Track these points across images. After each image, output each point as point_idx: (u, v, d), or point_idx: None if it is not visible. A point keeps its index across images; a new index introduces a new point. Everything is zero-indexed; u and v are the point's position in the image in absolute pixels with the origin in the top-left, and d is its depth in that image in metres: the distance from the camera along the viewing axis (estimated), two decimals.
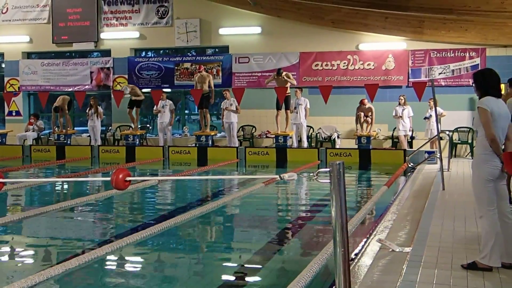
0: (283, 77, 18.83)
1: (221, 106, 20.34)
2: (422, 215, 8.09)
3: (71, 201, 10.35)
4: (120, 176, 3.66)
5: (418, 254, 5.91)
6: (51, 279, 5.55)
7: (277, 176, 3.58)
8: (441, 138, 13.09)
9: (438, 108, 14.92)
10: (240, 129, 21.18)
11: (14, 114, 24.11)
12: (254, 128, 21.32)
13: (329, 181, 3.27)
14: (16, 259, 7.10)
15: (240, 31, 21.59)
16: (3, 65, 24.55)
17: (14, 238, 8.21)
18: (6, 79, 24.16)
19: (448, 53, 19.74)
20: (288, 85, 18.87)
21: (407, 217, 8.08)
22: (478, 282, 5.07)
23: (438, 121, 12.59)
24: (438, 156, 12.31)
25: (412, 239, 6.61)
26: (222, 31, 21.78)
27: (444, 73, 19.75)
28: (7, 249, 7.54)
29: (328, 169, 3.27)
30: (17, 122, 23.66)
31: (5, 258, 7.17)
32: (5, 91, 23.56)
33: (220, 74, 21.84)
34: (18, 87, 23.92)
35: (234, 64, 21.69)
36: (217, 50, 22.68)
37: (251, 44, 21.58)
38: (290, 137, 19.21)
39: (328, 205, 10.22)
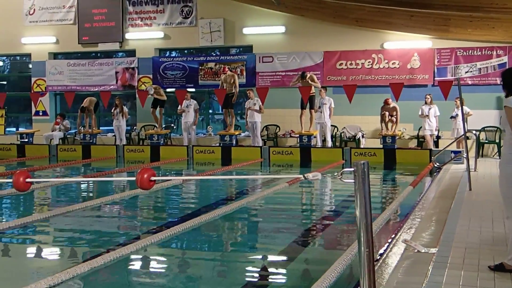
0: (308, 80, 18.78)
1: (245, 106, 20.34)
2: (448, 215, 8.02)
3: (96, 200, 10.42)
4: (145, 175, 3.67)
5: (444, 255, 5.85)
6: (77, 277, 5.59)
7: (301, 175, 3.56)
8: (467, 138, 12.98)
9: (464, 107, 14.79)
10: (264, 128, 21.18)
11: (41, 114, 24.33)
12: (278, 128, 21.31)
13: (353, 181, 3.24)
14: (43, 257, 7.15)
15: (264, 31, 21.59)
16: (30, 66, 24.77)
17: (40, 236, 8.26)
18: (33, 79, 24.39)
19: (475, 52, 19.58)
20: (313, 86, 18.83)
21: (433, 218, 8.01)
22: (505, 284, 5.00)
23: (464, 120, 12.49)
24: (464, 156, 12.21)
25: (438, 240, 6.55)
26: (246, 30, 21.80)
27: (471, 71, 19.59)
28: (34, 247, 7.60)
29: (352, 169, 3.24)
30: (43, 122, 23.86)
31: (32, 256, 7.23)
32: (32, 91, 23.78)
33: (244, 73, 21.85)
34: (45, 87, 24.13)
35: (258, 63, 21.69)
36: (241, 49, 22.70)
37: (275, 43, 21.57)
38: (314, 137, 19.16)
39: (352, 205, 10.18)
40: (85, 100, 21.43)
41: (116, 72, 23.39)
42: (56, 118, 23.21)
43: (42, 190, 11.92)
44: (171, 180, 12.30)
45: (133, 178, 3.74)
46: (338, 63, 20.86)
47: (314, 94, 18.90)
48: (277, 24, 21.41)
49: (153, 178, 3.69)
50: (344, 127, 20.38)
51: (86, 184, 13.19)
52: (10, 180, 4.16)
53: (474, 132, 15.25)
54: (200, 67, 22.41)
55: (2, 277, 6.11)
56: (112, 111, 21.41)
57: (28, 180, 4.08)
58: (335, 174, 3.66)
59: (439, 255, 5.85)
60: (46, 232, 8.55)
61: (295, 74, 20.63)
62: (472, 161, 13.55)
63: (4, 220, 9.31)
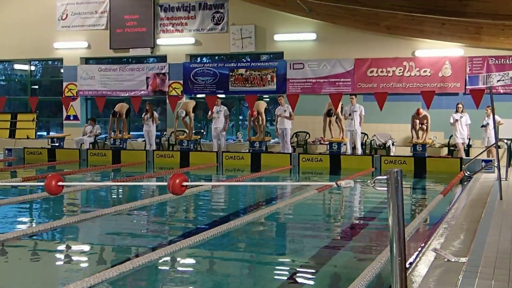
0: (333, 118, 18.99)
1: (275, 113, 20.34)
2: (479, 225, 7.94)
3: (126, 205, 10.46)
4: (177, 181, 3.68)
5: (474, 265, 5.79)
6: (105, 282, 5.62)
7: (333, 183, 3.55)
8: (499, 147, 12.81)
9: (495, 116, 14.66)
10: (294, 135, 21.16)
11: (71, 118, 24.55)
12: (308, 135, 21.28)
13: (386, 188, 3.23)
14: (72, 261, 7.21)
15: (295, 38, 21.61)
16: (62, 70, 25.04)
17: (70, 240, 8.34)
18: (64, 84, 24.64)
19: (507, 60, 19.40)
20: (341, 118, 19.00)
21: (463, 227, 7.94)
22: None
23: (496, 129, 12.37)
24: (495, 165, 12.09)
25: (468, 249, 6.49)
26: (277, 37, 21.83)
27: (503, 80, 19.41)
28: (63, 251, 7.66)
29: (385, 177, 3.23)
30: (74, 126, 24.07)
31: (61, 259, 7.28)
32: (63, 96, 24.03)
33: (275, 80, 21.86)
34: (76, 92, 24.35)
35: (289, 70, 21.70)
36: (271, 56, 22.73)
37: (305, 50, 21.56)
38: (344, 144, 19.10)
39: (381, 213, 10.14)
40: (117, 105, 21.60)
41: (147, 78, 23.54)
42: (87, 123, 23.32)
43: (72, 194, 12.00)
44: (202, 185, 12.32)
45: (165, 183, 3.77)
46: (369, 70, 20.80)
47: (342, 106, 19.04)
48: (308, 31, 21.42)
49: (184, 184, 3.71)
50: (374, 135, 20.30)
51: (116, 189, 13.27)
52: (42, 184, 4.20)
53: (505, 141, 15.10)
54: (231, 73, 22.47)
55: (31, 280, 6.18)
56: (143, 116, 21.51)
57: (60, 183, 4.12)
58: (368, 182, 3.64)
59: (469, 265, 5.80)
60: (76, 236, 8.62)
61: (325, 81, 20.68)
62: (503, 170, 13.39)
63: (34, 223, 9.43)
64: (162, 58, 23.61)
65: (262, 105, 20.09)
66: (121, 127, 21.63)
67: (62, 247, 7.94)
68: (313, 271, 6.62)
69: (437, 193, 11.88)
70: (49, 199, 11.12)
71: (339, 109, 18.89)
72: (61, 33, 24.57)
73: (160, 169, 18.13)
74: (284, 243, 8.42)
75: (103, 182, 14.84)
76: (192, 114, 20.58)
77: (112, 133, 21.81)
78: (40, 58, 26.02)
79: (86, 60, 24.87)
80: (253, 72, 22.04)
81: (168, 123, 23.16)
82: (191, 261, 7.15)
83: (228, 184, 16.82)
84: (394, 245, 3.22)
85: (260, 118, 19.91)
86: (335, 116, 19.05)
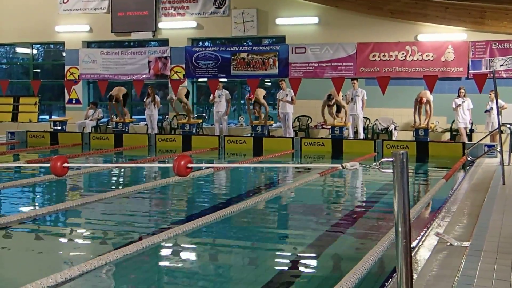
0: (333, 104, 18.87)
1: (277, 97, 20.29)
2: (481, 209, 7.95)
3: (129, 188, 10.49)
4: (182, 162, 3.68)
5: (477, 249, 5.81)
6: (110, 264, 5.66)
7: (339, 165, 3.55)
8: (502, 132, 12.77)
9: (499, 101, 14.63)
10: (296, 119, 21.14)
11: (74, 102, 24.53)
12: (310, 119, 21.26)
13: (391, 171, 3.22)
14: (76, 243, 7.23)
15: (297, 21, 21.54)
16: (64, 54, 24.98)
17: (74, 223, 8.36)
18: (66, 67, 24.58)
19: (510, 45, 19.32)
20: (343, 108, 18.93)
21: (466, 211, 7.96)
22: None
23: (499, 114, 12.35)
24: (498, 150, 12.08)
25: (471, 234, 6.51)
26: (279, 21, 21.75)
27: (506, 64, 19.35)
28: (67, 233, 7.70)
29: (391, 159, 3.22)
30: (76, 110, 24.06)
31: (65, 242, 7.31)
32: (65, 80, 24.00)
33: (277, 64, 21.81)
34: (78, 76, 24.30)
35: (291, 54, 21.64)
36: (273, 40, 22.67)
37: (308, 34, 21.50)
38: (347, 128, 19.06)
39: (384, 196, 10.15)
40: (113, 89, 21.39)
41: (149, 61, 23.49)
42: (89, 107, 23.29)
43: (75, 178, 12.00)
44: (205, 168, 12.33)
45: (170, 165, 3.77)
46: (371, 54, 20.74)
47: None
48: (310, 15, 21.34)
49: (190, 165, 3.70)
50: (377, 119, 20.27)
51: (118, 173, 13.29)
52: (48, 165, 4.20)
53: (508, 125, 15.06)
54: (233, 57, 22.42)
55: (36, 263, 6.20)
56: (144, 100, 21.47)
57: (65, 165, 4.12)
58: (374, 164, 3.62)
59: (472, 249, 5.81)
60: (79, 219, 8.63)
61: (327, 65, 20.62)
62: (506, 155, 13.39)
63: (38, 206, 9.45)
64: (164, 42, 23.57)
65: (261, 92, 19.99)
66: (120, 111, 21.50)
67: (65, 229, 7.97)
68: (315, 255, 6.63)
69: (439, 178, 11.88)
70: (52, 182, 11.16)
71: (340, 95, 18.80)
72: (63, 17, 24.49)
73: (162, 152, 18.14)
74: (286, 227, 8.44)
75: (107, 164, 14.84)
76: (185, 99, 20.52)
77: (114, 116, 21.78)
78: (42, 42, 25.98)
79: (88, 44, 24.81)
80: (255, 56, 22.00)
81: (170, 107, 23.14)
82: (194, 244, 7.16)
83: (233, 166, 16.82)
84: (400, 228, 3.22)
85: (260, 105, 19.84)
86: (334, 102, 18.91)
